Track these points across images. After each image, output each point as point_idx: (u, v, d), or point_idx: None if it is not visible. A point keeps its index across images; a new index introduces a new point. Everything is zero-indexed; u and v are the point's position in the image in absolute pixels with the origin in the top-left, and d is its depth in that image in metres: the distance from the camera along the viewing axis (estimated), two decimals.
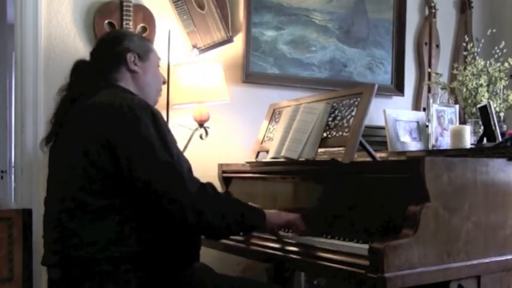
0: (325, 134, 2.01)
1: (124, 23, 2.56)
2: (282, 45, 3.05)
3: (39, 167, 2.46)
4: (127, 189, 1.56)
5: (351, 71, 3.25)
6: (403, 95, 3.42)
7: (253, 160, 2.37)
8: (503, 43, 2.98)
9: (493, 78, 2.72)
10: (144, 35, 2.59)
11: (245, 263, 2.75)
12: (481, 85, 2.71)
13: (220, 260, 2.56)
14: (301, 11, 3.10)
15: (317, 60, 3.15)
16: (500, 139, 2.16)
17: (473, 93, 2.73)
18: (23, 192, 2.51)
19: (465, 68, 2.82)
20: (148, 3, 2.69)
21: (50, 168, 1.75)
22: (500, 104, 2.70)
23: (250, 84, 2.96)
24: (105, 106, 1.61)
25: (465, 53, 3.01)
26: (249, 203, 1.78)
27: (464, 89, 2.77)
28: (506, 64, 2.77)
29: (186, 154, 1.67)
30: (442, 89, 2.93)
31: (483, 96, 2.69)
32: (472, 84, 2.74)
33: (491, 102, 2.34)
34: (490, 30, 3.32)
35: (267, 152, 2.24)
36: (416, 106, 3.49)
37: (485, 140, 2.24)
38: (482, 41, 3.10)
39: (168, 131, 1.63)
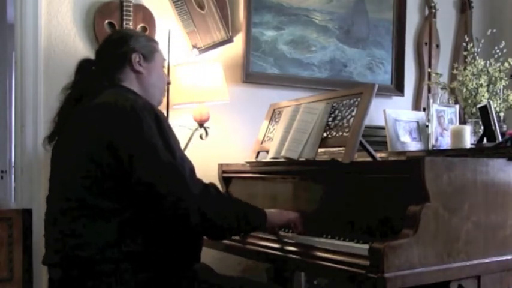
0: (325, 134, 2.01)
1: (124, 23, 2.56)
2: (282, 45, 3.05)
3: (39, 167, 2.46)
4: (129, 190, 1.56)
5: (351, 71, 3.25)
6: (403, 95, 3.42)
7: (253, 160, 2.37)
8: (503, 43, 2.98)
9: (493, 78, 2.72)
10: None
11: (245, 263, 2.75)
12: (481, 85, 2.71)
13: (220, 260, 2.56)
14: (301, 11, 3.10)
15: (317, 60, 3.15)
16: (500, 139, 2.16)
17: (473, 93, 2.73)
18: (23, 192, 2.51)
19: (465, 68, 2.82)
20: (148, 3, 2.69)
21: (52, 168, 1.74)
22: (500, 104, 2.70)
23: (250, 84, 2.96)
24: (109, 107, 1.61)
25: (465, 53, 3.01)
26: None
27: (464, 89, 2.77)
28: (506, 64, 2.77)
29: (186, 154, 1.67)
30: (442, 89, 2.93)
31: (483, 96, 2.69)
32: (472, 84, 2.74)
33: (491, 102, 2.33)
34: (490, 30, 3.32)
35: (267, 152, 2.24)
36: (416, 106, 3.49)
37: (485, 140, 2.24)
38: (482, 41, 3.10)
39: (172, 132, 1.63)
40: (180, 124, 2.69)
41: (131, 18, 2.58)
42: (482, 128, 2.36)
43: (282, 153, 2.07)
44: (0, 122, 4.53)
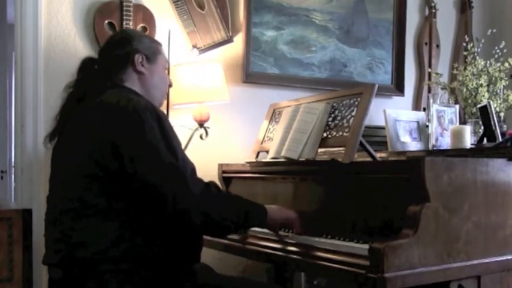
0: (325, 134, 2.01)
1: (124, 23, 2.56)
2: (282, 45, 3.05)
3: (39, 167, 2.46)
4: (130, 190, 1.56)
5: (351, 71, 3.25)
6: (403, 95, 3.42)
7: (253, 160, 2.37)
8: (503, 43, 2.98)
9: (493, 78, 2.72)
10: None
11: (245, 263, 2.75)
12: (481, 85, 2.71)
13: (220, 260, 2.56)
14: (301, 11, 3.10)
15: (317, 60, 3.15)
16: (500, 139, 2.16)
17: (474, 93, 2.73)
18: (23, 192, 2.51)
19: (465, 68, 2.82)
20: (148, 3, 2.69)
21: (53, 167, 1.74)
22: (500, 104, 2.70)
23: (250, 84, 2.96)
24: (111, 107, 1.61)
25: (465, 53, 3.01)
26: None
27: (465, 89, 2.77)
28: (506, 64, 2.77)
29: (186, 154, 1.67)
30: (442, 89, 2.93)
31: (483, 96, 2.69)
32: (472, 84, 2.74)
33: (491, 102, 2.34)
34: (490, 30, 3.32)
35: (267, 152, 2.24)
36: (416, 106, 3.49)
37: (485, 140, 2.23)
38: (483, 41, 3.10)
39: (173, 133, 1.63)
40: (180, 124, 2.68)
41: (131, 18, 2.58)
42: (482, 128, 2.36)
43: (282, 153, 2.07)
44: (0, 122, 4.53)
